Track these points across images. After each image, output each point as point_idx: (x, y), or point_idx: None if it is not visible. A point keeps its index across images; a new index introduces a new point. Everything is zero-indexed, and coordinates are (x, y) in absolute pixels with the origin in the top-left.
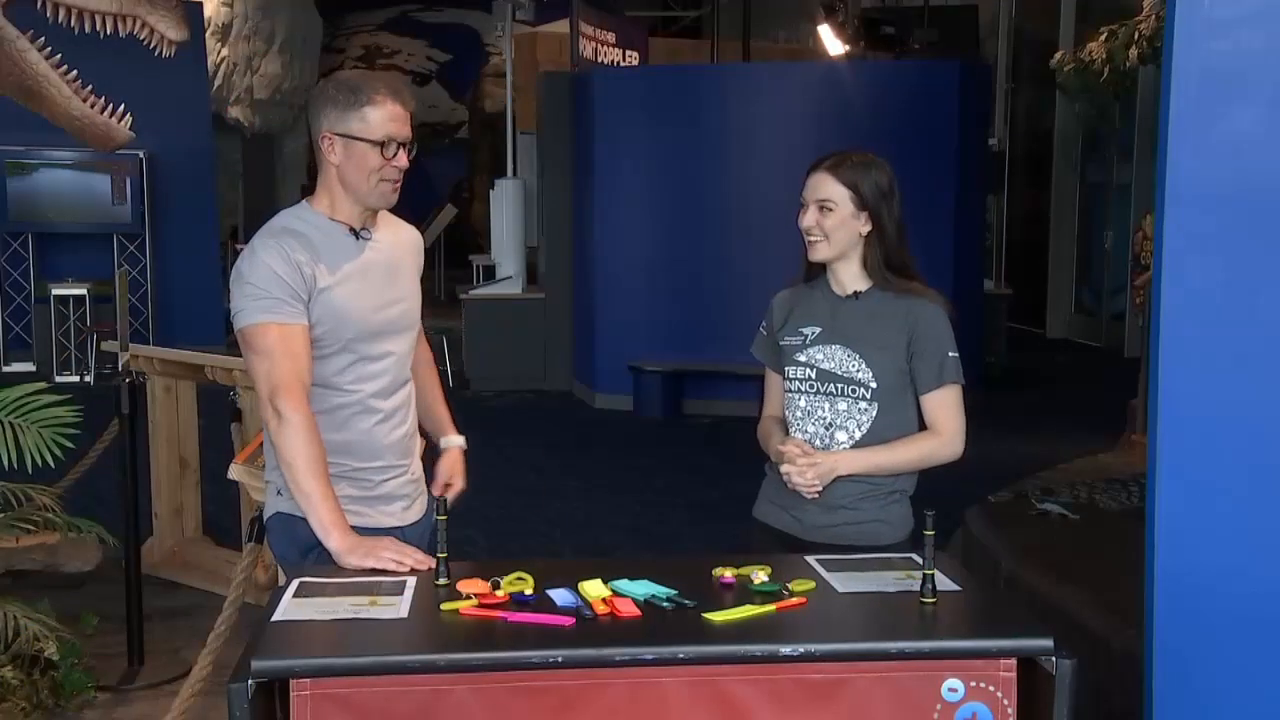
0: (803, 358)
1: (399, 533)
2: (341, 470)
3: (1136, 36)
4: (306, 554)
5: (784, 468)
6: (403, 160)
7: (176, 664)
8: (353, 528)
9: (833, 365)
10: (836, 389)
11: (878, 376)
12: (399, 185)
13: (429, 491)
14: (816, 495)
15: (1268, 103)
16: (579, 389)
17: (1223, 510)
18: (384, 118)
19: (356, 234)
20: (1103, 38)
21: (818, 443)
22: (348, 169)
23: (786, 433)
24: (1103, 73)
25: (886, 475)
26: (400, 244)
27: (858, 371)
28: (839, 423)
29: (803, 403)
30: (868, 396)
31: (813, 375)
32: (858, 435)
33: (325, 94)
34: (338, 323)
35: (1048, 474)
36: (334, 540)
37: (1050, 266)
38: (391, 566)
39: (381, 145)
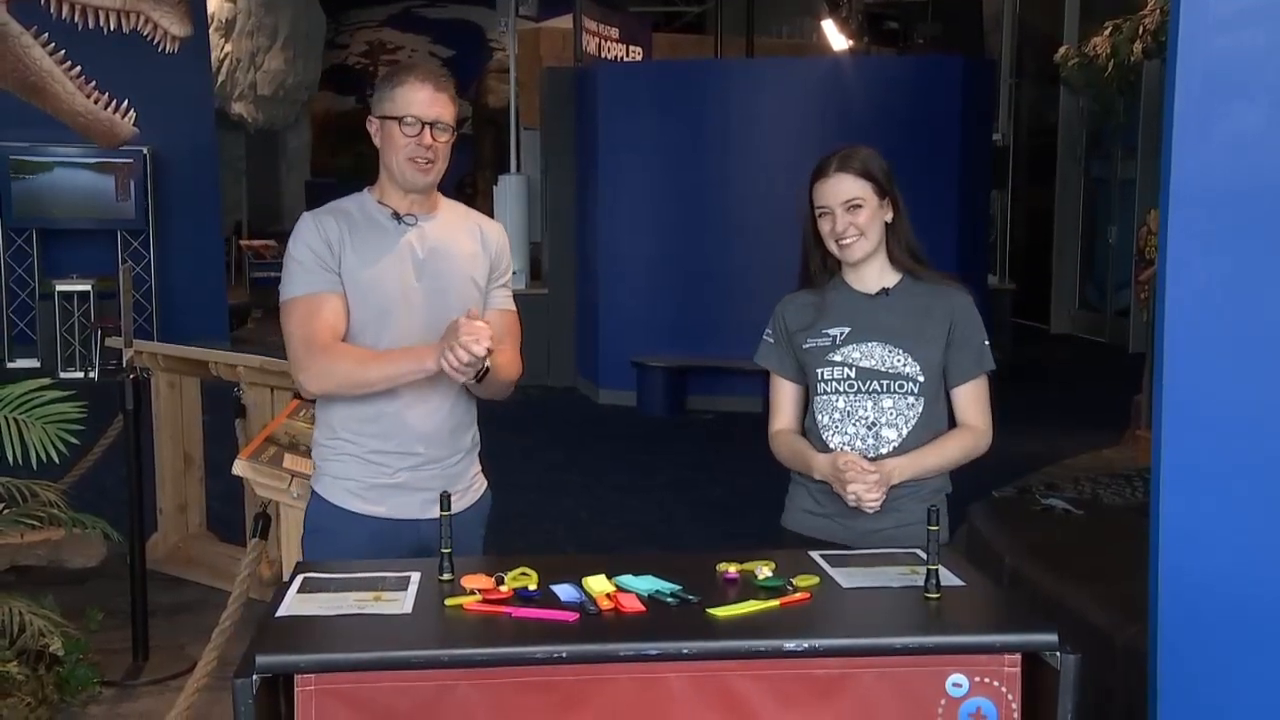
0: (837, 357)
1: (414, 526)
2: (358, 450)
3: (1141, 31)
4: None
5: (851, 487)
6: (426, 138)
7: (181, 659)
8: (354, 515)
9: (873, 362)
10: (881, 386)
11: (925, 370)
12: (428, 166)
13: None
14: (877, 509)
15: (1271, 100)
16: (583, 385)
17: (1227, 506)
18: (409, 97)
19: (400, 218)
20: (1107, 32)
21: (859, 444)
22: (384, 150)
23: (817, 440)
24: (1107, 67)
25: (929, 476)
26: (458, 237)
27: (904, 366)
28: (885, 420)
29: (841, 404)
30: (915, 391)
31: (852, 374)
32: (905, 431)
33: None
34: (361, 299)
35: (1052, 470)
36: (430, 365)
37: (1054, 262)
38: (465, 357)
39: (400, 120)
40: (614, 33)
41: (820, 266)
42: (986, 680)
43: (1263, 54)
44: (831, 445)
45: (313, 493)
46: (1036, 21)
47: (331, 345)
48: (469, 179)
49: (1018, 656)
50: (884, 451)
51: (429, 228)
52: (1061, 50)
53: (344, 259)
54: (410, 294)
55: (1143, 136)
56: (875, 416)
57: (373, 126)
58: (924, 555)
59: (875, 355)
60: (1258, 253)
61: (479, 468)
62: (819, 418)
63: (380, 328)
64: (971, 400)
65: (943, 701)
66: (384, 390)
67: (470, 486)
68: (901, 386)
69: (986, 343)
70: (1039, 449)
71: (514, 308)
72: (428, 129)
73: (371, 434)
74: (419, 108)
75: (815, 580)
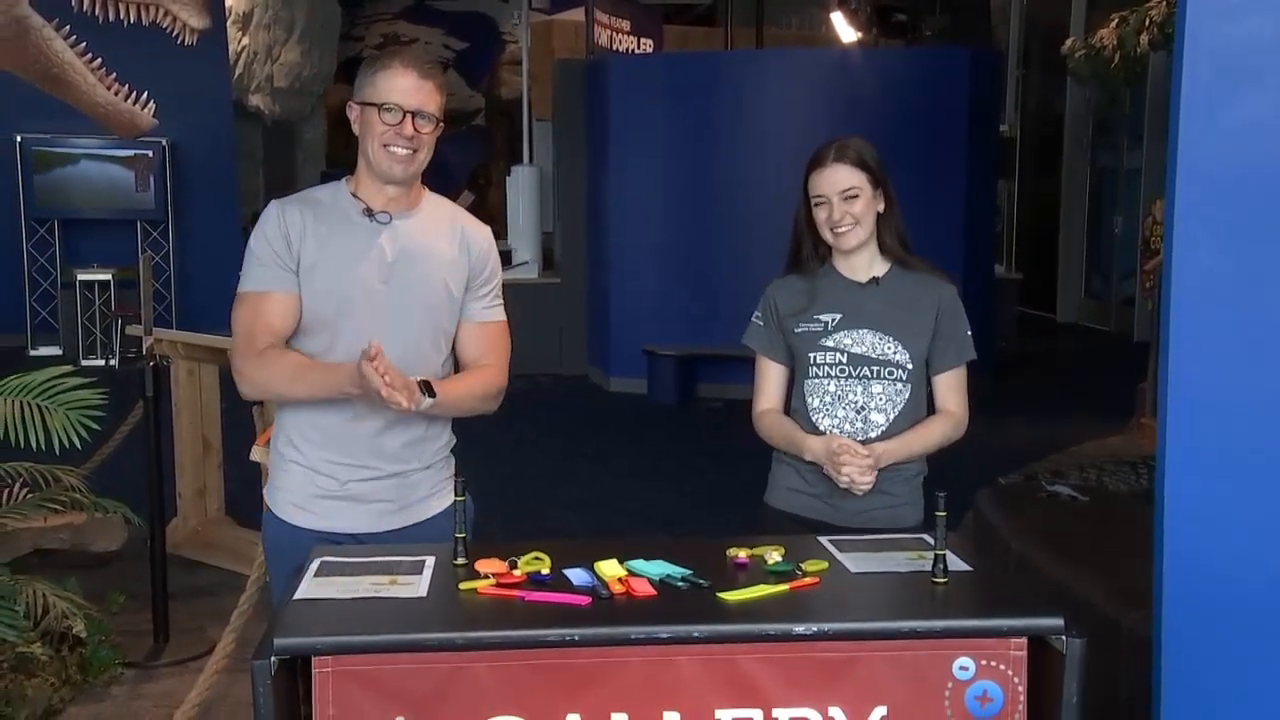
0: (829, 343)
1: (371, 539)
2: (307, 460)
3: (1147, 22)
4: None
5: (845, 470)
6: (407, 128)
7: (201, 641)
8: (305, 530)
9: (865, 349)
10: (871, 372)
11: (914, 358)
12: (408, 157)
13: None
14: (869, 490)
15: (1279, 89)
16: (593, 373)
17: (1232, 493)
18: (391, 83)
19: (372, 215)
20: (1114, 23)
21: (847, 427)
22: (362, 138)
23: (806, 422)
24: (1114, 58)
25: (912, 459)
26: (437, 239)
27: (894, 354)
28: (874, 405)
29: (832, 387)
30: (904, 378)
31: (843, 359)
32: (892, 416)
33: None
34: (319, 297)
35: (1058, 457)
36: (350, 390)
37: (1060, 251)
38: (383, 393)
39: (380, 107)
40: (625, 25)
41: (811, 253)
42: (993, 664)
43: (1271, 41)
44: (821, 428)
45: (265, 507)
46: (1043, 13)
47: (266, 351)
48: (482, 170)
49: (1024, 640)
50: (872, 436)
51: (404, 227)
52: (1068, 42)
53: (303, 253)
54: (374, 297)
55: (1148, 127)
56: (865, 401)
57: (353, 113)
58: (931, 540)
59: (867, 342)
60: (1264, 241)
61: (450, 474)
62: (809, 400)
63: (338, 328)
64: (952, 388)
65: (950, 684)
66: (338, 401)
67: (434, 494)
68: (891, 373)
69: (969, 333)
70: (1045, 436)
71: (502, 318)
72: (409, 118)
73: (320, 444)
74: (400, 95)
75: (824, 565)
